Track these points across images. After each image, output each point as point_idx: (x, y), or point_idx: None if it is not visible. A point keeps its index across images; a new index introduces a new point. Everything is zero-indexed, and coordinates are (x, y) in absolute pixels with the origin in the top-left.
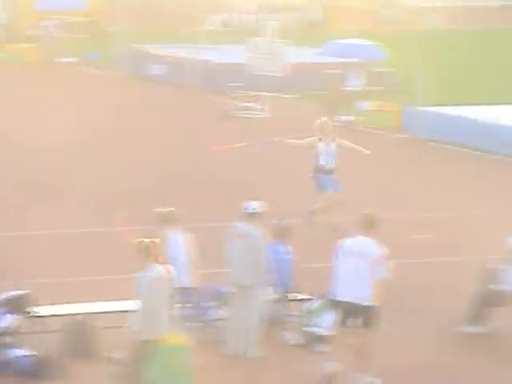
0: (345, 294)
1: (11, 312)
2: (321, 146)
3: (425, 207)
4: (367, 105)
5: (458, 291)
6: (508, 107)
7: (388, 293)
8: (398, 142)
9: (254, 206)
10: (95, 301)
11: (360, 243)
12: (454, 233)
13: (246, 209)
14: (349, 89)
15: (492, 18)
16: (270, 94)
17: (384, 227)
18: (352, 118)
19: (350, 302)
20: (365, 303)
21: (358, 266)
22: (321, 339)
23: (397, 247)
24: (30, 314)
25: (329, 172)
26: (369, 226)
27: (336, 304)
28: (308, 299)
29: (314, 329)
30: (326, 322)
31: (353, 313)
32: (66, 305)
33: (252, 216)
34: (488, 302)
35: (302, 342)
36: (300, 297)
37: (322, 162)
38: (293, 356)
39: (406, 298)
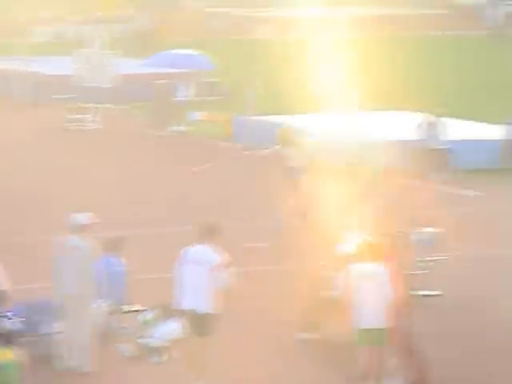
0: (187, 303)
1: None
2: None
3: (258, 215)
4: (198, 115)
5: (293, 299)
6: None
7: (225, 301)
8: (228, 150)
9: (82, 218)
10: None
11: (199, 251)
12: (287, 241)
13: (74, 221)
14: (179, 99)
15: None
16: (100, 106)
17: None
18: (183, 128)
19: (192, 310)
20: (203, 311)
21: (199, 274)
22: (156, 350)
23: (232, 255)
24: None
25: None
26: (209, 233)
27: (181, 313)
28: (142, 310)
29: (149, 340)
30: (161, 333)
31: (194, 321)
32: None
33: (80, 228)
34: (321, 308)
35: (137, 353)
36: (134, 308)
37: None
38: (128, 368)
39: (242, 307)
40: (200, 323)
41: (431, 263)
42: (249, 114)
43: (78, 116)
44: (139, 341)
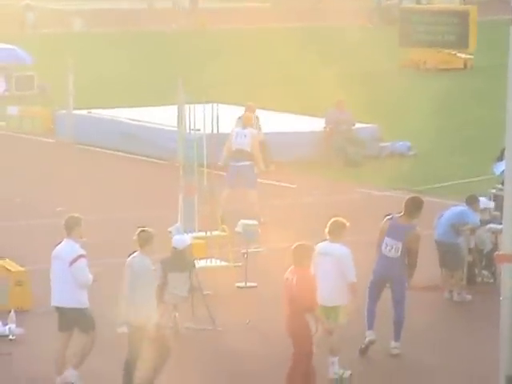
0: (55, 299)
1: None
2: None
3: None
4: (16, 110)
5: None
6: (157, 109)
7: None
8: (47, 146)
9: None
10: None
11: (61, 247)
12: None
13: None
14: None
15: (127, 21)
16: None
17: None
18: (1, 123)
19: (58, 307)
20: (69, 305)
21: (60, 270)
22: None
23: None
24: None
25: None
26: (70, 228)
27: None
28: None
29: None
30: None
31: (61, 316)
32: None
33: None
34: None
35: None
36: None
37: None
38: None
39: None
40: (65, 318)
41: (248, 255)
42: (70, 109)
43: None
44: None
